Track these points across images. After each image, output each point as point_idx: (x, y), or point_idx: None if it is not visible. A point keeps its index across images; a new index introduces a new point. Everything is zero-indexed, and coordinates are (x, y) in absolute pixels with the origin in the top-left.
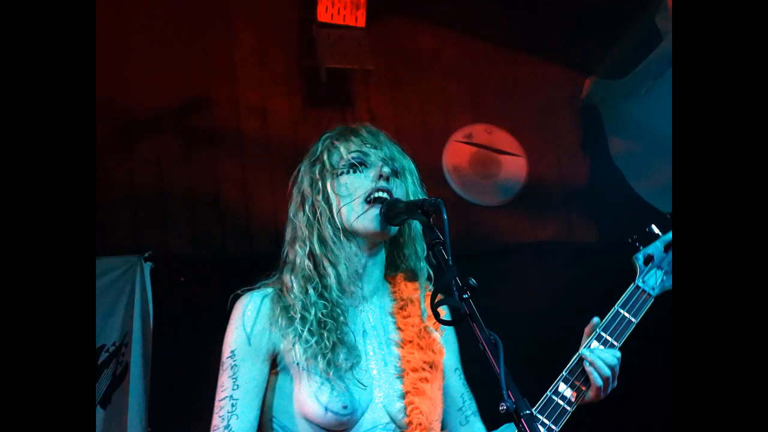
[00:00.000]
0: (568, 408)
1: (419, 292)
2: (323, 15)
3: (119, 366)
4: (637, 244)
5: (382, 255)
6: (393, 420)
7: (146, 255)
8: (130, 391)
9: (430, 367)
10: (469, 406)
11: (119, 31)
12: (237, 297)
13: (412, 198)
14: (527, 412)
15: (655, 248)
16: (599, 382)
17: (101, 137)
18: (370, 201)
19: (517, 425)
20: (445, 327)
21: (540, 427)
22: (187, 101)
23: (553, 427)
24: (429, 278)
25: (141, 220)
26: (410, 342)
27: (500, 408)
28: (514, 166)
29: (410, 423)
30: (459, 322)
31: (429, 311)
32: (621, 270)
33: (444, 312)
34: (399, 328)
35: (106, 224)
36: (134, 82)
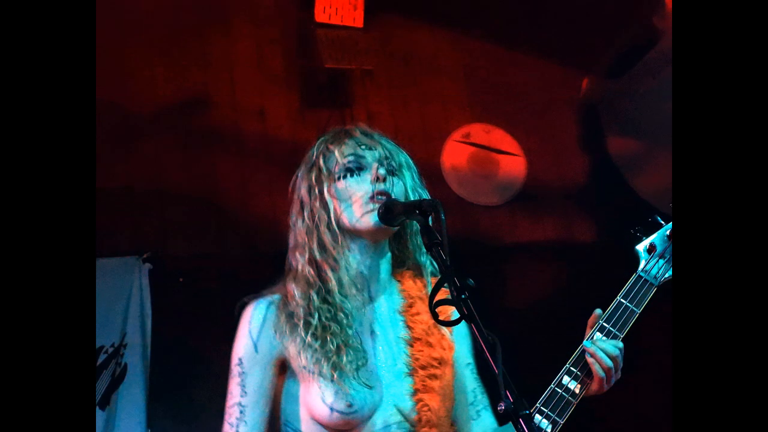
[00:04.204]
0: (573, 400)
1: (427, 289)
2: (321, 15)
3: (118, 367)
4: (639, 235)
5: (387, 254)
6: (405, 418)
7: (144, 256)
8: (129, 392)
9: (440, 363)
10: (481, 400)
11: (119, 31)
12: (243, 305)
13: (411, 192)
14: (525, 411)
15: (658, 238)
16: (601, 373)
17: (100, 138)
18: (368, 204)
19: (515, 425)
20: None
21: (545, 419)
22: (186, 102)
23: (558, 419)
24: (433, 273)
25: (139, 221)
26: (419, 340)
27: (498, 408)
28: (513, 166)
29: (419, 420)
30: (457, 323)
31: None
32: (620, 269)
33: (447, 313)
34: (408, 326)
35: (103, 225)
36: (133, 82)
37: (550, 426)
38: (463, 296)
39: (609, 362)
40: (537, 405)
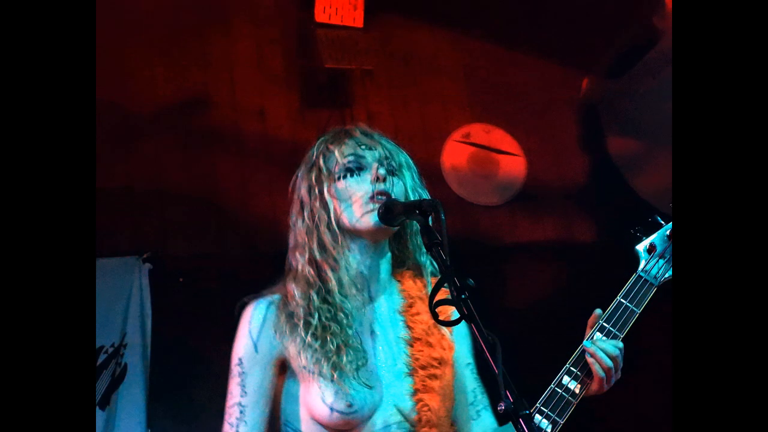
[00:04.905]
0: (572, 400)
1: (427, 289)
2: (321, 15)
3: (118, 367)
4: (639, 235)
5: (387, 254)
6: (405, 418)
7: (144, 256)
8: (129, 392)
9: (439, 363)
10: (481, 400)
11: (119, 31)
12: (243, 305)
13: (411, 192)
14: (525, 411)
15: (658, 238)
16: (601, 373)
17: (100, 138)
18: (368, 204)
19: (515, 425)
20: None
21: (545, 419)
22: (186, 102)
23: (558, 419)
24: (433, 273)
25: (139, 221)
26: (419, 340)
27: (498, 408)
28: (513, 166)
29: (419, 420)
30: (457, 323)
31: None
32: (620, 269)
33: (447, 313)
34: (408, 326)
35: (103, 225)
36: (133, 82)
37: (550, 426)
38: (463, 296)
39: (609, 362)
40: (537, 405)
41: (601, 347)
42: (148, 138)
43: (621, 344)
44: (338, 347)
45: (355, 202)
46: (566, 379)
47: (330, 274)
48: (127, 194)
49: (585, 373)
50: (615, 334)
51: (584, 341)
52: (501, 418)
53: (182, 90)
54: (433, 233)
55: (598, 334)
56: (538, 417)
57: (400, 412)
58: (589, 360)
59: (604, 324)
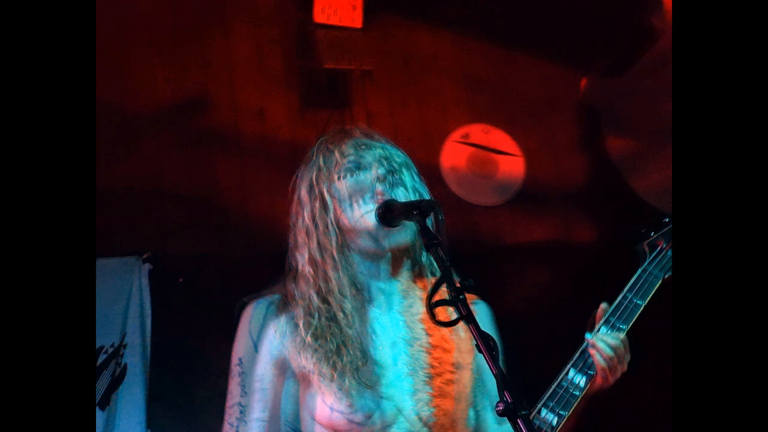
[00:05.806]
0: (577, 394)
1: (427, 289)
2: (320, 16)
3: (118, 367)
4: (640, 234)
5: (387, 254)
6: (405, 419)
7: (144, 256)
8: (129, 392)
9: (440, 363)
10: (480, 401)
11: (119, 31)
12: (243, 305)
13: (411, 192)
14: (524, 412)
15: (659, 237)
16: (602, 363)
17: (100, 138)
18: (368, 204)
19: (513, 425)
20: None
21: (550, 412)
22: (186, 102)
23: (563, 413)
24: (433, 273)
25: (139, 221)
26: (419, 340)
27: (497, 408)
28: (512, 166)
29: (419, 420)
30: (456, 323)
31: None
32: (620, 269)
33: (446, 313)
34: (408, 327)
35: (103, 225)
36: (133, 83)
37: (555, 419)
38: (461, 297)
39: (609, 351)
40: (542, 399)
41: (603, 338)
42: (148, 138)
43: (623, 336)
44: (338, 347)
45: (354, 202)
46: (571, 372)
47: (330, 274)
48: (127, 194)
49: (589, 366)
50: (619, 327)
51: (586, 334)
52: (500, 419)
53: (182, 90)
54: (432, 233)
55: (602, 328)
56: (543, 410)
57: (400, 412)
58: (591, 351)
59: (609, 318)
